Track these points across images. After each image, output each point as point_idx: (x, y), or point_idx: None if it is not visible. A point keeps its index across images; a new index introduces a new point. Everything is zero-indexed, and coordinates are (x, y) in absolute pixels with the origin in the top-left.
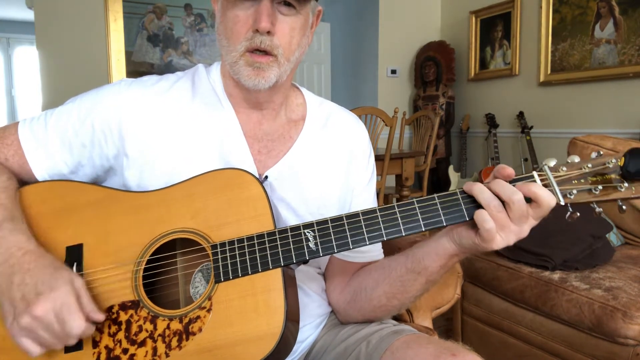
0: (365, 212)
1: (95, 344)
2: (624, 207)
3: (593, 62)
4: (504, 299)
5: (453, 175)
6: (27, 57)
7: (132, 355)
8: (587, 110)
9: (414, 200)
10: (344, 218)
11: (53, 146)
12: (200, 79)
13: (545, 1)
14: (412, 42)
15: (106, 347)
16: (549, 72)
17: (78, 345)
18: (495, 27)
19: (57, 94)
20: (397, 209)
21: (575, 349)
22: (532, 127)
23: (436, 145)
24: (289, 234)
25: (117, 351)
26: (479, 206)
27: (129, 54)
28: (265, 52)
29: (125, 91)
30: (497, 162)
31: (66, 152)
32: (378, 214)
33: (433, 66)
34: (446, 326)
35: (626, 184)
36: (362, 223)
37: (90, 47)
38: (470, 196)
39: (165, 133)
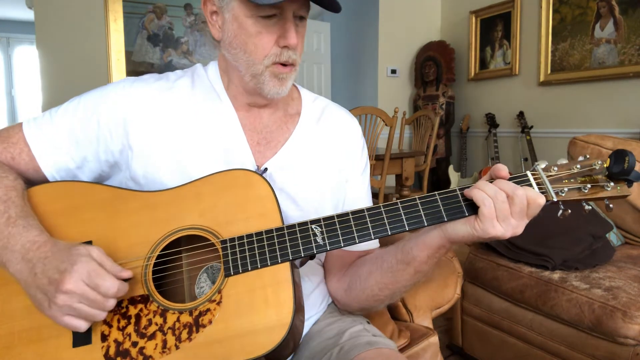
0: (370, 209)
1: (104, 338)
2: (610, 205)
3: (593, 62)
4: (504, 298)
5: (453, 175)
6: (27, 57)
7: (142, 348)
8: (587, 110)
9: (416, 197)
10: (350, 214)
11: (59, 142)
12: (199, 76)
13: (545, 1)
14: (412, 42)
15: (115, 340)
16: (549, 72)
17: (87, 339)
18: (495, 27)
19: (57, 94)
20: (400, 205)
21: (575, 349)
22: (532, 127)
23: (436, 145)
24: (297, 229)
25: (127, 344)
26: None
27: (129, 54)
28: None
29: (129, 88)
30: (497, 162)
31: (72, 148)
32: (382, 209)
33: (433, 66)
34: (446, 326)
35: (612, 184)
36: (368, 219)
37: (90, 47)
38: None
39: (168, 126)
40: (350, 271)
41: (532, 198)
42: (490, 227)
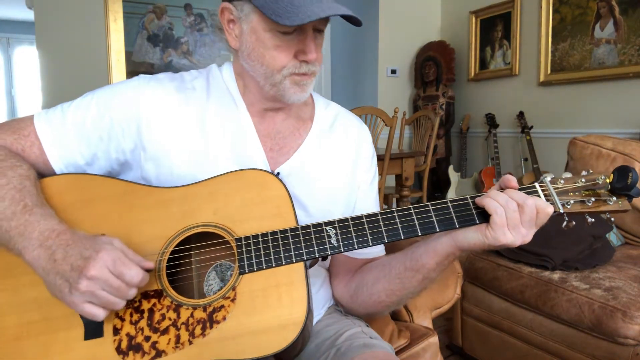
0: (384, 213)
1: (116, 332)
2: (612, 219)
3: (593, 62)
4: (504, 299)
5: (453, 175)
6: (27, 57)
7: (155, 342)
8: (587, 110)
9: (429, 204)
10: (364, 217)
11: (70, 137)
12: (214, 78)
13: (545, 1)
14: (412, 42)
15: (127, 334)
16: (549, 72)
17: (99, 332)
18: (495, 27)
19: (57, 94)
20: (413, 211)
21: (575, 349)
22: (532, 127)
23: (436, 145)
24: (312, 230)
25: (139, 339)
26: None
27: (129, 54)
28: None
29: (144, 87)
30: (497, 162)
31: (83, 144)
32: (395, 214)
33: (433, 66)
34: (446, 326)
35: (614, 198)
36: (381, 223)
37: (90, 47)
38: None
39: (182, 128)
40: (356, 277)
41: (542, 208)
42: (501, 235)
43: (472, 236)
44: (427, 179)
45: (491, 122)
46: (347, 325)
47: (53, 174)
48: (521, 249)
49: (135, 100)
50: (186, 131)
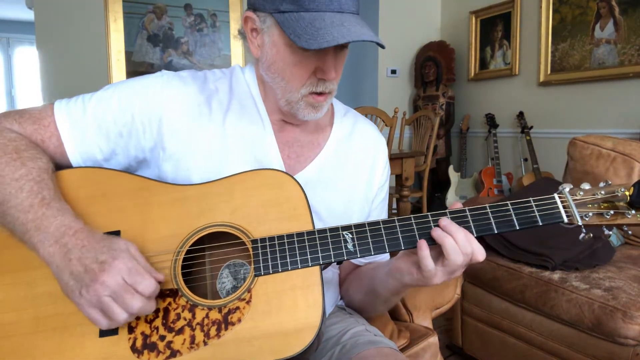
0: (402, 219)
1: (131, 330)
2: (629, 232)
3: (593, 62)
4: (504, 299)
5: (453, 175)
6: (27, 57)
7: (170, 342)
8: (587, 110)
9: (447, 212)
10: (381, 223)
11: (89, 131)
12: (237, 81)
13: (545, 1)
14: (412, 42)
15: (142, 333)
16: (549, 72)
17: (114, 330)
18: (495, 27)
19: (57, 94)
20: (430, 218)
21: (575, 349)
22: (532, 127)
23: (436, 145)
24: (328, 234)
25: (154, 338)
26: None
27: (129, 54)
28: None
29: (167, 85)
30: (497, 162)
31: (102, 139)
32: (413, 221)
33: (433, 66)
34: (446, 326)
35: (632, 212)
36: (398, 229)
37: (90, 47)
38: (497, 211)
39: (202, 131)
40: (347, 281)
41: (476, 259)
42: (434, 278)
43: (407, 279)
44: (427, 179)
45: (491, 122)
46: (351, 323)
47: (70, 166)
48: (521, 249)
49: (158, 98)
50: (206, 133)
